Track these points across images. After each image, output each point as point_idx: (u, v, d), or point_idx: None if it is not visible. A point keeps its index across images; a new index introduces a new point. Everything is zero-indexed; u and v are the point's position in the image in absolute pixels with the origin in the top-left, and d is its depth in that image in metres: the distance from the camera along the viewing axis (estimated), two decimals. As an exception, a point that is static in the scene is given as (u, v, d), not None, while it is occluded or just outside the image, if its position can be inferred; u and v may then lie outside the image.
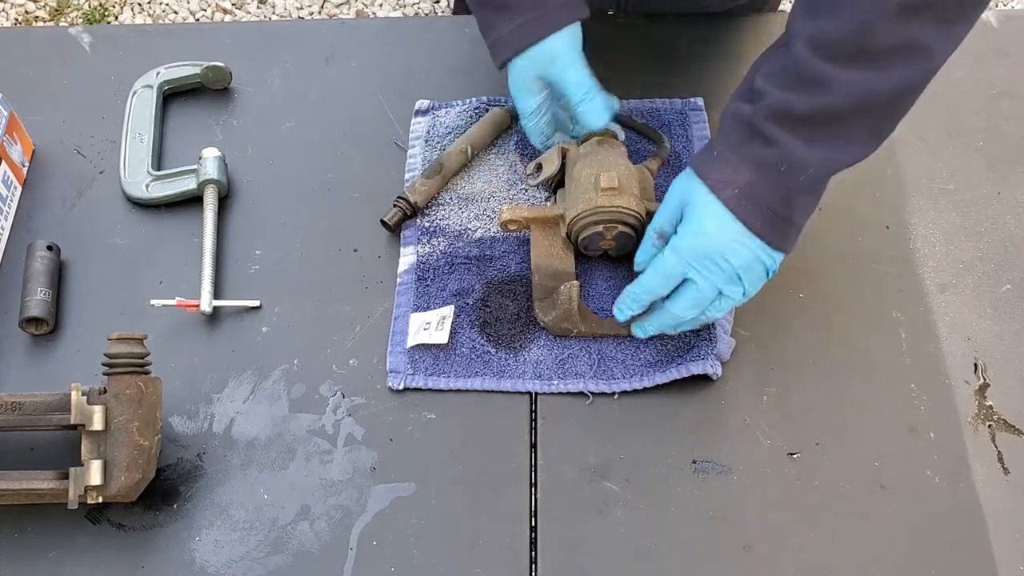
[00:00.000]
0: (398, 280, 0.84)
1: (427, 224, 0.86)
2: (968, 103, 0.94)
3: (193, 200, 0.88)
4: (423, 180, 0.87)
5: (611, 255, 0.83)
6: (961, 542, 0.71)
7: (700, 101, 0.94)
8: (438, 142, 0.91)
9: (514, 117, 0.91)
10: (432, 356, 0.79)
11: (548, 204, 0.87)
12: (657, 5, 1.01)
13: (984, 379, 0.78)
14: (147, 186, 0.89)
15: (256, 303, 0.83)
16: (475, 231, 0.86)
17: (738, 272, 0.71)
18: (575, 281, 0.78)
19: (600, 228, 0.78)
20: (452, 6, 1.34)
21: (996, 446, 0.75)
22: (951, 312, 0.82)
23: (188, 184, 0.88)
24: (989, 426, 0.76)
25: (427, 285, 0.83)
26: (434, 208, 0.88)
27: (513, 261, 0.84)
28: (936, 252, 0.85)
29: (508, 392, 0.78)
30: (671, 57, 0.98)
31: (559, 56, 0.79)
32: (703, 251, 0.70)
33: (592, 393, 0.78)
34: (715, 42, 0.99)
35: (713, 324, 0.78)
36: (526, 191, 0.88)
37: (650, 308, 0.76)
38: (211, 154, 0.88)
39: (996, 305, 0.82)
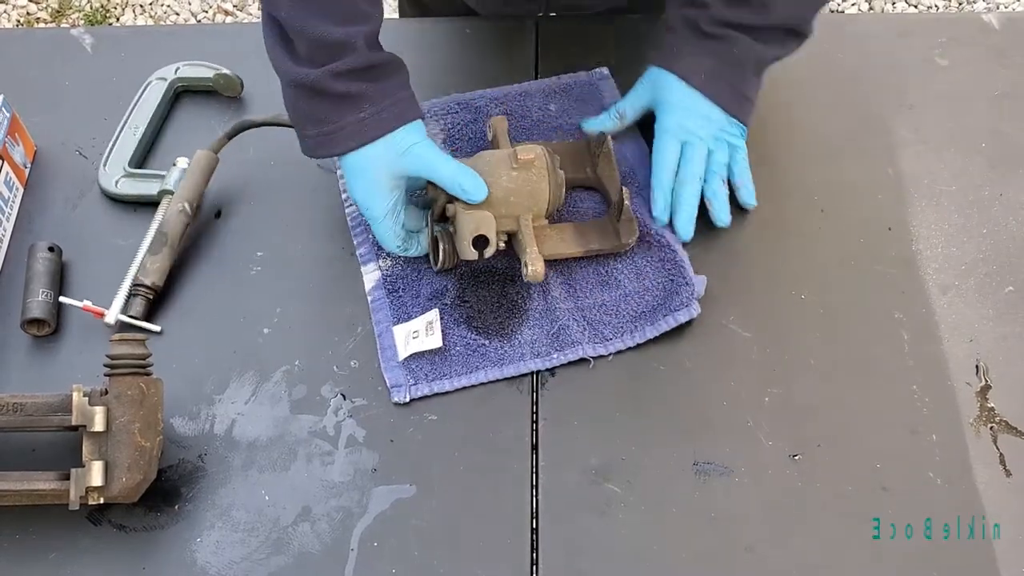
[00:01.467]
0: (369, 298, 0.83)
1: None
2: (970, 105, 0.94)
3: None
4: (151, 258, 0.82)
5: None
6: (962, 544, 0.71)
7: (606, 70, 0.95)
8: None
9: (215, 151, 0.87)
10: (429, 362, 0.79)
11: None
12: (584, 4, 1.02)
13: (986, 381, 0.78)
14: (117, 182, 0.88)
15: (158, 328, 0.81)
16: None
17: (714, 136, 0.84)
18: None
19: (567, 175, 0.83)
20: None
21: (998, 448, 0.75)
22: (953, 314, 0.81)
23: (152, 189, 0.87)
24: (991, 428, 0.76)
25: (400, 296, 0.82)
26: None
27: None
28: (938, 254, 0.85)
29: (512, 378, 0.78)
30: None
31: (420, 147, 0.77)
32: (685, 119, 0.83)
33: (592, 358, 0.78)
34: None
35: (683, 268, 0.80)
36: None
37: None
38: (182, 164, 0.88)
39: (998, 307, 0.82)
